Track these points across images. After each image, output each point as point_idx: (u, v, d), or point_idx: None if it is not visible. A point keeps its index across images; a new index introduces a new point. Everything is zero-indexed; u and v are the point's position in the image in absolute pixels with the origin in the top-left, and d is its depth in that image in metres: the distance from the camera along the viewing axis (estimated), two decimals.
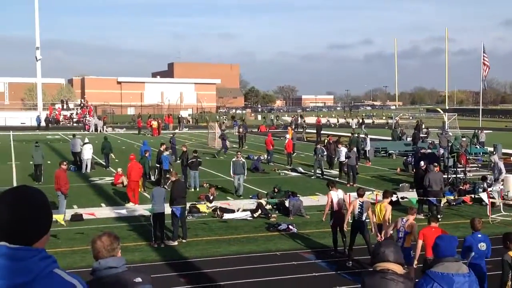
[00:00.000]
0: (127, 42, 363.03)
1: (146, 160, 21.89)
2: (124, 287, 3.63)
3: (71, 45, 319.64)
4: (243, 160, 20.14)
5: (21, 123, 67.58)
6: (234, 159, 20.50)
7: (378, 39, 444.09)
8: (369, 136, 35.71)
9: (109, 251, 3.81)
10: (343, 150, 25.25)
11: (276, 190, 19.84)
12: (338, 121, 74.97)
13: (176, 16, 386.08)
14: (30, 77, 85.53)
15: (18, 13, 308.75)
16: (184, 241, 14.33)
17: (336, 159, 26.14)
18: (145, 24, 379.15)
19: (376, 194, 17.45)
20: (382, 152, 36.19)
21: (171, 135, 35.32)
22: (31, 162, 25.09)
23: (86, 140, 28.20)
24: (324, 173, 25.75)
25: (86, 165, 27.03)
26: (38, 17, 69.81)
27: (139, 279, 3.77)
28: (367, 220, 12.36)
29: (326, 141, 30.16)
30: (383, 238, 11.09)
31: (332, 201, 13.16)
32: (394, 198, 15.97)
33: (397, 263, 4.44)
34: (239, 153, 21.21)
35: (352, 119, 71.21)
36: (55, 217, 15.85)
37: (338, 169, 26.20)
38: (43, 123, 62.75)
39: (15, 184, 23.05)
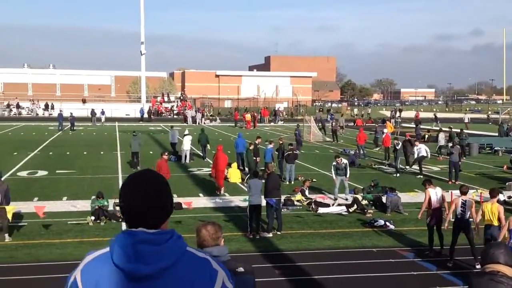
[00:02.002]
0: (226, 36, 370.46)
1: (249, 154, 21.86)
2: None
3: (173, 39, 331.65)
4: (345, 161, 19.30)
5: (126, 115, 71.20)
6: (334, 163, 19.63)
7: (486, 29, 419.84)
8: (469, 131, 33.94)
9: (214, 239, 3.88)
10: (422, 147, 24.69)
11: (373, 185, 19.38)
12: (435, 117, 71.97)
13: (278, 9, 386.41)
14: (134, 71, 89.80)
15: (125, 9, 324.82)
16: (278, 233, 14.39)
17: (417, 154, 24.94)
18: (246, 18, 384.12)
19: (481, 193, 16.53)
20: (487, 148, 34.31)
21: (296, 127, 35.70)
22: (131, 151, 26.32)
23: (186, 132, 29.11)
24: (410, 169, 25.18)
25: (185, 156, 27.91)
26: (143, 12, 73.06)
27: (241, 269, 3.79)
28: (470, 219, 11.76)
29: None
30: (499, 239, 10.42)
31: (430, 199, 12.65)
32: (501, 197, 15.05)
33: (507, 265, 4.19)
34: (338, 158, 19.76)
35: (465, 113, 67.62)
36: None
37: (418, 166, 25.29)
38: (146, 115, 65.67)
39: (120, 172, 24.36)
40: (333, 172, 19.10)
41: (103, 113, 61.83)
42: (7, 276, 10.79)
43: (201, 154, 29.76)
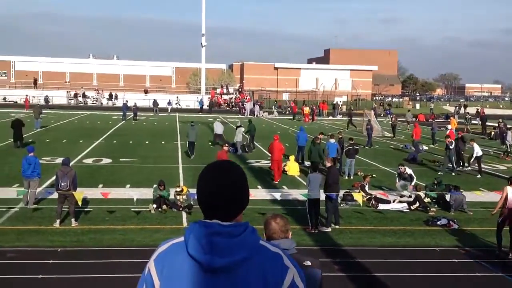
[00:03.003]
0: (286, 28, 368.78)
1: (317, 147, 21.37)
2: None
3: (233, 31, 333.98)
4: (409, 172, 18.61)
5: (186, 106, 72.35)
6: (398, 171, 18.85)
7: None
8: None
9: (283, 232, 3.85)
10: (476, 146, 23.61)
11: (436, 183, 18.85)
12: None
13: (341, 1, 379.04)
14: (195, 62, 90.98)
15: (187, 1, 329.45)
16: (337, 227, 14.25)
17: (473, 154, 23.86)
18: (306, 10, 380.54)
19: None
20: None
21: (367, 122, 35.37)
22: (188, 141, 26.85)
23: (239, 124, 29.31)
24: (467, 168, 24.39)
25: (238, 148, 28.10)
26: (204, 4, 73.79)
27: (308, 263, 3.75)
28: None
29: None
30: None
31: (506, 197, 12.17)
32: None
33: None
34: (402, 167, 18.88)
35: None
36: None
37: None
38: (205, 106, 66.53)
39: (180, 161, 24.77)
40: (397, 179, 18.75)
41: (169, 103, 64.14)
42: (74, 260, 11.20)
43: (251, 145, 29.84)
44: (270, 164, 23.28)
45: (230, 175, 2.21)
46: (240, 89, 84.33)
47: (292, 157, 23.04)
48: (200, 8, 74.11)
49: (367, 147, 31.88)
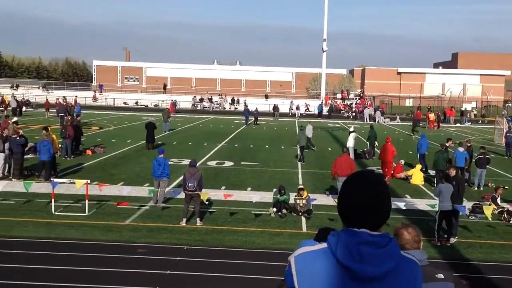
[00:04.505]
0: (410, 32, 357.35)
1: (445, 155, 20.44)
2: (426, 282, 3.49)
3: (355, 36, 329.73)
4: None
5: (305, 111, 72.50)
6: None
7: None
8: None
9: (416, 242, 3.74)
10: None
11: None
12: None
13: (471, 2, 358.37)
14: (315, 68, 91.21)
15: (309, 7, 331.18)
16: (455, 238, 13.50)
17: None
18: (432, 12, 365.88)
19: None
20: None
21: (507, 128, 33.68)
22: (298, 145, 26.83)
23: (352, 129, 28.83)
24: None
25: (350, 153, 27.58)
26: (327, 10, 73.74)
27: (441, 275, 3.59)
28: None
29: None
30: None
31: None
32: None
33: None
34: None
35: None
36: None
37: None
38: (325, 112, 66.32)
39: (299, 167, 24.85)
40: None
41: (298, 108, 65.78)
42: (199, 258, 11.65)
43: (371, 151, 29.13)
44: (392, 172, 22.71)
45: (381, 185, 2.24)
46: (361, 95, 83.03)
47: (419, 166, 22.26)
48: (322, 14, 74.17)
49: (506, 157, 29.96)
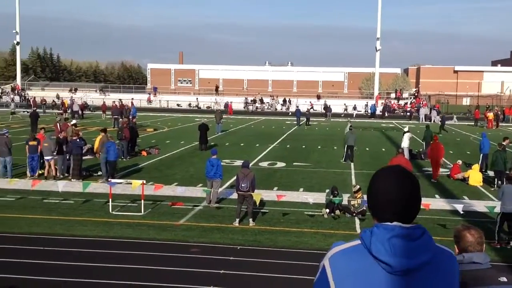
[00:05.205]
0: (467, 29, 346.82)
1: (503, 154, 19.75)
2: (488, 285, 3.37)
3: (409, 34, 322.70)
4: None
5: (358, 111, 71.61)
6: None
7: None
8: None
9: (480, 244, 3.62)
10: None
11: None
12: None
13: None
14: (367, 67, 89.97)
15: (361, 6, 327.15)
16: None
17: None
18: (491, 8, 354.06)
19: None
20: None
21: None
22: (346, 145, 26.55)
23: (406, 129, 28.24)
24: None
25: (404, 153, 26.94)
26: (380, 9, 72.57)
27: (504, 279, 3.45)
28: None
29: None
30: None
31: None
32: None
33: None
34: None
35: None
36: None
37: None
38: (378, 112, 65.31)
39: (352, 167, 24.55)
40: None
41: (355, 108, 65.59)
42: (252, 258, 11.69)
43: (421, 150, 28.46)
44: (449, 172, 22.15)
45: (412, 179, 2.26)
46: (415, 94, 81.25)
47: (476, 166, 21.55)
48: (375, 12, 73.08)
49: None
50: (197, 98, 76.25)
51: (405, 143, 26.85)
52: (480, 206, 16.61)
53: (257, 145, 32.96)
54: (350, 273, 2.13)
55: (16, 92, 77.52)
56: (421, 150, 28.56)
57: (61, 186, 16.51)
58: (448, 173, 22.62)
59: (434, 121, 57.13)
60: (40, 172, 20.81)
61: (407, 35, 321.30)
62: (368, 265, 2.13)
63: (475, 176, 20.90)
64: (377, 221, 2.24)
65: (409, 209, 2.21)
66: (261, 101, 75.40)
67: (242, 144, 33.28)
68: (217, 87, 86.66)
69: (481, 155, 23.47)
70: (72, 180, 19.80)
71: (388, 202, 2.21)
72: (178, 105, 74.71)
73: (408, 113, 65.37)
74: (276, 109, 73.68)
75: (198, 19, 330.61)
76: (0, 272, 10.44)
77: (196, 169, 22.83)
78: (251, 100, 75.85)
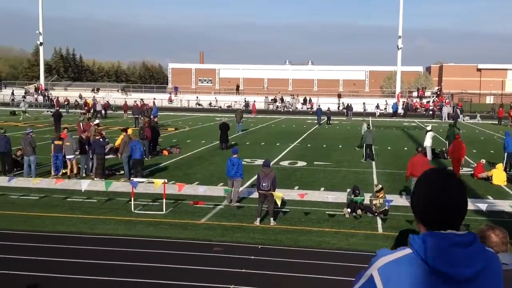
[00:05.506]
0: (491, 27, 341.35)
1: None
2: None
3: (432, 32, 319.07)
4: None
5: (380, 110, 71.11)
6: None
7: None
8: None
9: (505, 244, 3.56)
10: None
11: None
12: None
13: None
14: (389, 66, 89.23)
15: (383, 4, 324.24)
16: None
17: None
18: None
19: None
20: None
21: None
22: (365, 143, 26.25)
23: (429, 128, 27.95)
24: None
25: (427, 152, 26.65)
26: (402, 7, 71.92)
27: None
28: None
29: None
30: None
31: None
32: None
33: None
34: None
35: None
36: None
37: None
38: (400, 111, 64.75)
39: (374, 167, 24.38)
40: None
41: (377, 107, 65.17)
42: (273, 257, 11.68)
43: (444, 149, 28.12)
44: (472, 171, 21.89)
45: (460, 183, 2.16)
46: (438, 92, 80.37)
47: (500, 165, 21.25)
48: (397, 10, 72.45)
49: None
50: (215, 98, 76.36)
51: (427, 142, 26.58)
52: (504, 205, 16.37)
53: (278, 144, 32.92)
54: (403, 284, 2.05)
55: (39, 92, 78.69)
56: (444, 149, 28.24)
57: (85, 185, 16.71)
58: (472, 172, 22.33)
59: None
60: (63, 171, 21.09)
61: (429, 33, 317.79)
62: (423, 275, 2.04)
63: (499, 175, 20.61)
64: (424, 227, 2.15)
65: (460, 215, 2.14)
66: (282, 100, 75.31)
67: (262, 143, 33.28)
68: (237, 86, 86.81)
69: (505, 154, 23.11)
70: (95, 179, 20.01)
71: (441, 209, 2.11)
72: (198, 104, 74.98)
73: (431, 112, 64.68)
74: (296, 108, 73.52)
75: (219, 18, 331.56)
76: (25, 269, 10.60)
77: (217, 168, 22.89)
78: (272, 99, 75.81)
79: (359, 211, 15.43)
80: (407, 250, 2.11)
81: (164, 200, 15.69)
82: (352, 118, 57.99)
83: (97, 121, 28.99)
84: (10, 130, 32.88)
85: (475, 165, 22.92)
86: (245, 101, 71.97)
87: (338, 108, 53.75)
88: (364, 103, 68.65)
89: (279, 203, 14.56)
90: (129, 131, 22.39)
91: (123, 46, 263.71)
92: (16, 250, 11.89)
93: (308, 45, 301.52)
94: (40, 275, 10.34)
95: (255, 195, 15.54)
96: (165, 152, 27.64)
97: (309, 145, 32.84)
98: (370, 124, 29.90)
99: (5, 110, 61.25)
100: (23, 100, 63.92)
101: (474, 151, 29.54)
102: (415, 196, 2.20)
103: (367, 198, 15.98)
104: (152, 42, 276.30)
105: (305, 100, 75.19)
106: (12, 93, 74.69)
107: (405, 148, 31.19)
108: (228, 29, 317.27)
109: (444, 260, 2.03)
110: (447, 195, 2.11)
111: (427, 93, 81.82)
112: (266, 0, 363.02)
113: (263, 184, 14.31)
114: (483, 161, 22.68)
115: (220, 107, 72.80)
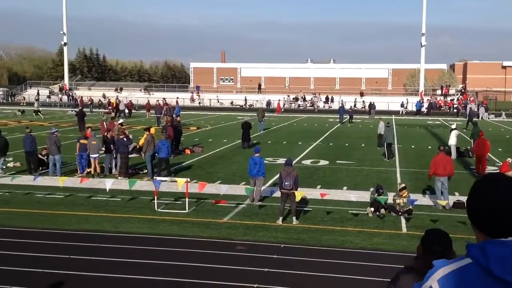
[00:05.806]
0: None
1: None
2: None
3: (456, 29, 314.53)
4: None
5: (404, 109, 70.47)
6: None
7: None
8: None
9: None
10: None
11: None
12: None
13: None
14: (413, 63, 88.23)
15: (406, 1, 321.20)
16: None
17: None
18: None
19: None
20: None
21: None
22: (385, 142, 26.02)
23: (454, 126, 27.58)
24: None
25: (452, 151, 26.29)
26: (425, 3, 71.13)
27: None
28: None
29: None
30: None
31: None
32: None
33: None
34: None
35: None
36: (443, 203, 15.88)
37: None
38: (424, 109, 64.07)
39: (397, 166, 24.15)
40: None
41: (402, 105, 64.40)
42: (296, 256, 11.66)
43: (469, 148, 27.72)
44: (498, 170, 21.50)
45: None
46: (462, 90, 79.27)
47: None
48: (420, 7, 71.67)
49: None
50: (245, 97, 76.43)
51: (452, 140, 26.24)
52: None
53: (300, 143, 32.83)
54: None
55: (64, 92, 79.77)
56: (469, 147, 27.85)
57: (109, 184, 16.89)
58: (497, 171, 21.95)
59: (482, 118, 55.63)
60: (88, 170, 21.34)
61: (453, 30, 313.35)
62: (487, 285, 1.97)
63: None
64: (483, 235, 2.07)
65: None
66: (304, 99, 75.06)
67: (284, 142, 33.23)
68: (259, 85, 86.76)
69: None
70: (118, 178, 20.21)
71: (505, 216, 2.03)
72: (220, 103, 75.16)
73: (455, 110, 63.84)
74: (318, 106, 73.22)
75: (240, 18, 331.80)
76: (50, 267, 10.76)
77: (239, 167, 22.93)
78: (293, 98, 75.62)
79: (382, 210, 15.31)
80: (466, 260, 2.06)
81: (187, 199, 15.78)
82: (375, 117, 57.55)
83: (121, 121, 29.26)
84: (35, 129, 33.38)
85: (501, 164, 22.53)
86: (268, 101, 71.91)
87: (355, 106, 53.22)
88: (403, 102, 67.42)
89: (298, 199, 14.49)
90: (152, 130, 22.57)
91: (146, 46, 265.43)
92: (42, 248, 12.07)
93: (330, 43, 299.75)
94: (65, 273, 10.48)
95: (277, 194, 15.52)
96: (188, 151, 27.79)
97: (331, 144, 32.69)
98: (391, 122, 29.70)
99: (29, 109, 62.21)
100: (36, 100, 64.84)
101: (500, 149, 29.08)
102: (473, 203, 2.11)
103: (390, 197, 15.84)
104: (174, 42, 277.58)
105: (327, 98, 74.83)
106: (38, 93, 75.82)
107: (429, 147, 30.85)
108: (250, 28, 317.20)
109: (509, 269, 1.96)
110: (509, 203, 2.02)
111: (451, 91, 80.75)
112: None
113: (285, 183, 14.28)
114: (509, 159, 22.24)
115: (244, 105, 72.90)
